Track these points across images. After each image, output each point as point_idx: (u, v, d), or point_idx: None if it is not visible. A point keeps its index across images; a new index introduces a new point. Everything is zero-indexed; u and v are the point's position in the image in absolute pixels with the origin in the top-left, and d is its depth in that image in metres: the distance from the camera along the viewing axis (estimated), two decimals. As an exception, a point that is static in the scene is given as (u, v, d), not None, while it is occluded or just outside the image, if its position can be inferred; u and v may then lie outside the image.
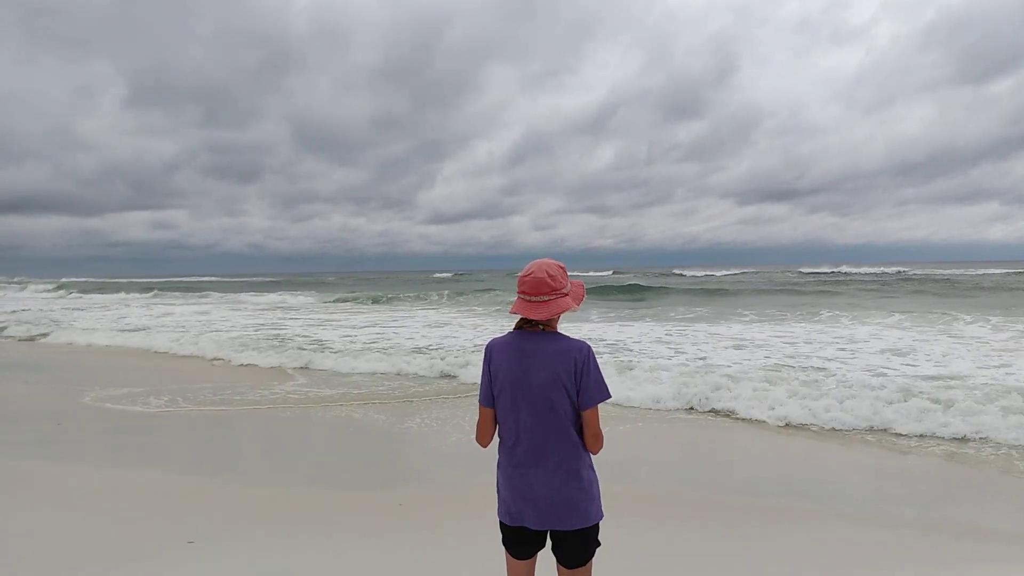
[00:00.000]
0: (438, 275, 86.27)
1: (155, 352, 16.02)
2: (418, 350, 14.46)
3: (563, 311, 2.59)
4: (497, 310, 28.07)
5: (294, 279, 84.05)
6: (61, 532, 4.81)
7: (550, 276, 2.59)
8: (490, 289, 44.64)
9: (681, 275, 64.21)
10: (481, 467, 6.44)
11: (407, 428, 8.12)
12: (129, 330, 20.43)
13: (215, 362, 14.23)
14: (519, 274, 2.66)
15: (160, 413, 9.04)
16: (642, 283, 43.00)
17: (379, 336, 17.92)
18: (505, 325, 19.80)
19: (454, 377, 11.72)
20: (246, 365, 13.64)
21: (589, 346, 2.60)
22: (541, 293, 2.59)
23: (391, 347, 15.16)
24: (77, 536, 4.75)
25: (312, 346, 15.60)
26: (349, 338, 17.47)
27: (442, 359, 12.80)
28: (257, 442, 7.80)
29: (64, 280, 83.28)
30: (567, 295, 2.64)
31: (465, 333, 18.54)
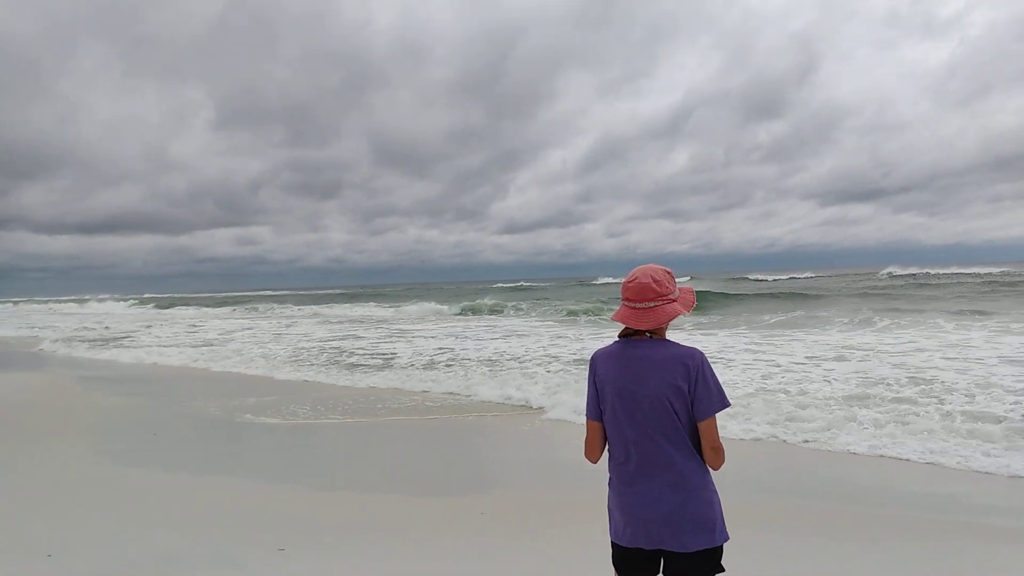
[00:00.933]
0: (524, 284, 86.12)
1: (249, 370, 16.52)
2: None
3: (671, 318, 2.46)
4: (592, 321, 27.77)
5: (378, 291, 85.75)
6: (155, 536, 4.97)
7: (655, 281, 2.46)
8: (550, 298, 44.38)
9: (761, 280, 62.15)
10: (562, 478, 6.36)
11: (487, 436, 8.07)
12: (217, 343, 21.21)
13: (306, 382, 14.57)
14: (623, 280, 2.55)
15: (254, 423, 9.29)
16: (714, 289, 41.43)
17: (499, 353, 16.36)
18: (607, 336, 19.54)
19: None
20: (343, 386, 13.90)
21: (702, 352, 2.45)
22: (647, 299, 2.46)
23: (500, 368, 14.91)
24: (170, 541, 4.89)
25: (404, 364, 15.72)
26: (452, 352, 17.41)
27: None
28: (344, 451, 7.89)
29: (147, 295, 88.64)
30: (675, 301, 2.50)
31: (570, 346, 17.34)
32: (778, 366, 12.44)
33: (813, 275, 69.09)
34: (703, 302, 31.19)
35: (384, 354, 16.81)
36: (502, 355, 15.74)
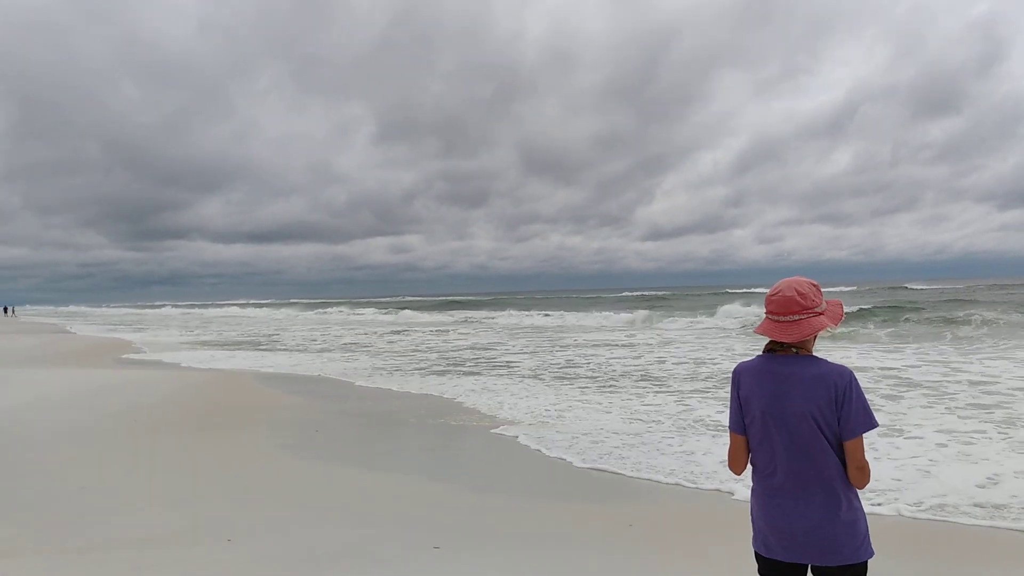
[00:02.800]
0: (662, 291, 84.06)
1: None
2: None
3: (816, 331, 2.43)
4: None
5: (528, 297, 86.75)
6: (312, 532, 5.31)
7: (800, 294, 2.45)
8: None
9: (919, 288, 56.64)
10: (711, 493, 6.17)
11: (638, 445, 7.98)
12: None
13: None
14: (767, 293, 2.55)
15: (412, 422, 9.77)
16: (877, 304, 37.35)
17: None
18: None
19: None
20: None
21: (851, 371, 2.42)
22: (791, 312, 2.45)
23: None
24: (326, 536, 5.22)
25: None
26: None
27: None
28: (497, 455, 8.08)
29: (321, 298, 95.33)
30: (821, 314, 2.47)
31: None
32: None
33: (970, 284, 62.12)
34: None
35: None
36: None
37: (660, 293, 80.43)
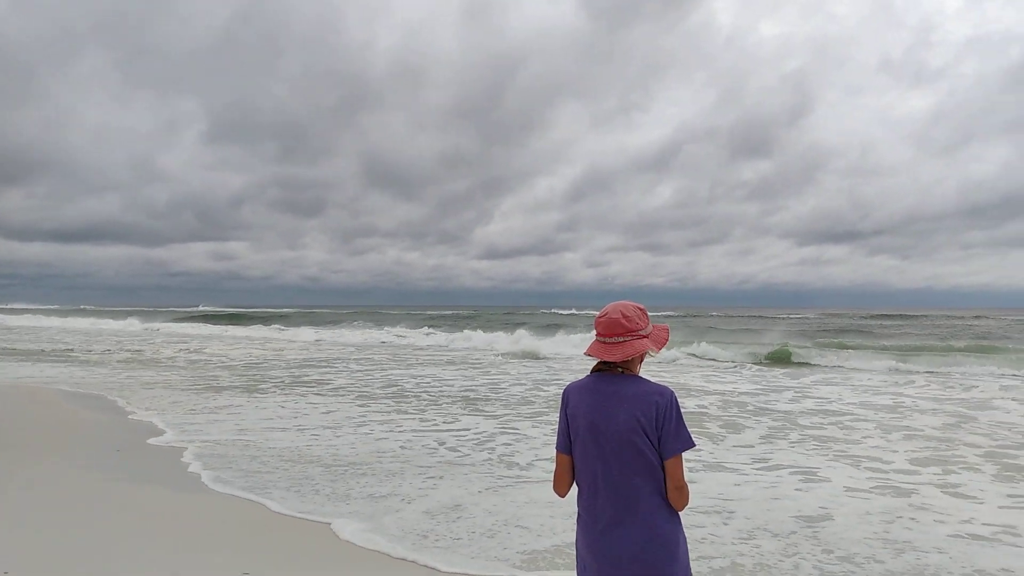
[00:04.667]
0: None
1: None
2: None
3: (639, 353, 2.49)
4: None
5: (360, 312, 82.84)
6: (116, 559, 4.82)
7: (625, 317, 2.51)
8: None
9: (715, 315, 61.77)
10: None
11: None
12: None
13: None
14: (596, 315, 2.59)
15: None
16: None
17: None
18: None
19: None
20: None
21: (672, 391, 2.49)
22: (616, 334, 2.50)
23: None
24: (128, 560, 4.76)
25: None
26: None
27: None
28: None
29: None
30: (646, 337, 2.53)
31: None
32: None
33: (759, 315, 69.00)
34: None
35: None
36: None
37: (474, 312, 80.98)
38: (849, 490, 6.87)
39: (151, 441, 8.95)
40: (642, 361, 2.59)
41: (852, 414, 11.52)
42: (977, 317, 59.15)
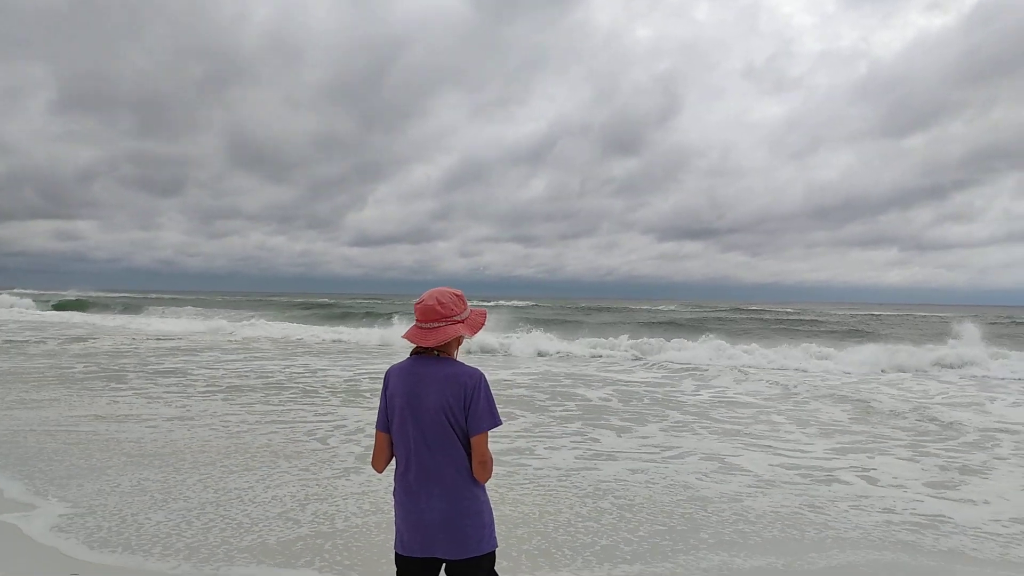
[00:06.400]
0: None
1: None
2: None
3: (451, 338, 2.61)
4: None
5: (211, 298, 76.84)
6: None
7: (440, 304, 2.63)
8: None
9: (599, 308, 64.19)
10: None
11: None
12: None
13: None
14: (415, 301, 2.69)
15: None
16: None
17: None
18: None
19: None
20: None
21: (481, 373, 2.63)
22: (431, 320, 2.62)
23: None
24: None
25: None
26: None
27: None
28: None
29: None
30: (460, 323, 2.65)
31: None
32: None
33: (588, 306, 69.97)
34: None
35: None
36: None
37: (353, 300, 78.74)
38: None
39: None
40: (459, 344, 2.74)
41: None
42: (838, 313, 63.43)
